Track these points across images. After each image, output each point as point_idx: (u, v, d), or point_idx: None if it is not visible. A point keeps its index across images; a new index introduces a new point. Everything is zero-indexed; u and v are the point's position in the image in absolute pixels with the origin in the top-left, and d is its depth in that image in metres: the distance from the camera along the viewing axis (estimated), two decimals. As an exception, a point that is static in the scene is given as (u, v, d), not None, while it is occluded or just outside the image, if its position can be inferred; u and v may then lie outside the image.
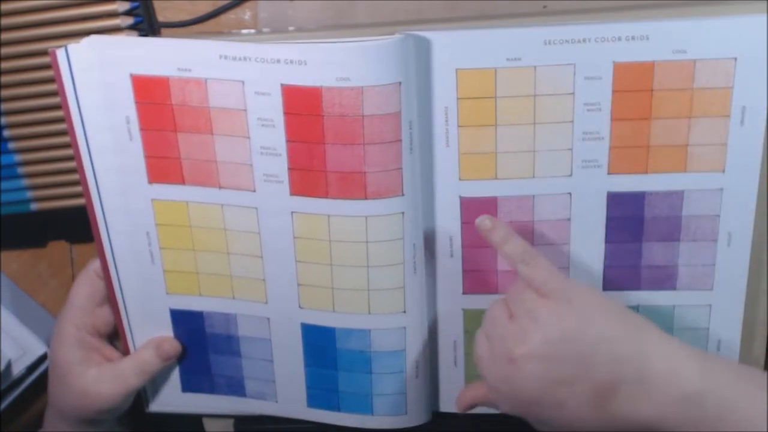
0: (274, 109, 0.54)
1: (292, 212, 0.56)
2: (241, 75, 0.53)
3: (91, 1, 0.60)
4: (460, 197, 0.57)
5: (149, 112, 0.55)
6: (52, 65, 0.55)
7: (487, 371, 0.51)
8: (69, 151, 0.62)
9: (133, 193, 0.58)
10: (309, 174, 0.55)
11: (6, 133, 0.64)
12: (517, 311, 0.50)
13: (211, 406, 0.65)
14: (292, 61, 0.52)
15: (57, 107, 0.62)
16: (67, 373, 0.59)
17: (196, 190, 0.57)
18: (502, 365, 0.49)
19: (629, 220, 0.57)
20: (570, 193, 0.56)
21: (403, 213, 0.56)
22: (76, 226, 0.65)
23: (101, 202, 0.58)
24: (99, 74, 0.55)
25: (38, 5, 0.60)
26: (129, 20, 0.61)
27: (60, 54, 0.54)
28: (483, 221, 0.55)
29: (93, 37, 0.54)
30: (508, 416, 0.62)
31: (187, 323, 0.62)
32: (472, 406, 0.56)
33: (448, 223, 0.58)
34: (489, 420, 0.63)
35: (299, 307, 0.59)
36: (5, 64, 0.62)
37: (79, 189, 0.61)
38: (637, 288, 0.58)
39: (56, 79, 0.55)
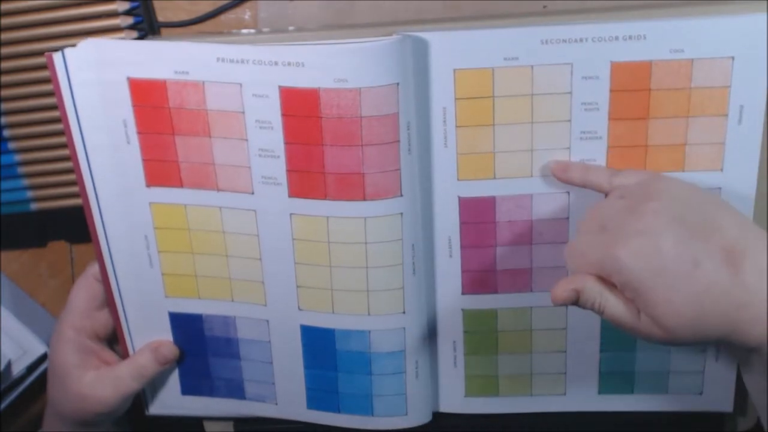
0: (272, 111, 0.54)
1: (291, 214, 0.56)
2: (238, 77, 0.53)
3: (91, 1, 0.60)
4: (459, 197, 0.57)
5: (146, 115, 0.55)
6: (49, 69, 0.54)
7: (608, 248, 0.45)
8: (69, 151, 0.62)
9: (131, 196, 0.58)
10: (307, 176, 0.55)
11: (6, 133, 0.64)
12: (623, 204, 0.48)
13: (210, 408, 0.65)
14: (289, 63, 0.52)
15: (57, 107, 0.61)
16: (66, 376, 0.60)
17: (195, 193, 0.57)
18: (627, 233, 0.45)
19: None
20: (568, 192, 0.56)
21: (401, 214, 0.56)
22: (76, 226, 0.64)
23: (99, 206, 0.58)
24: (96, 78, 0.55)
25: (38, 5, 0.60)
26: (129, 20, 0.61)
27: (57, 58, 0.54)
28: (556, 164, 0.55)
29: (89, 41, 0.54)
30: (508, 416, 0.63)
31: (186, 326, 0.62)
32: (572, 300, 0.48)
33: (447, 224, 0.58)
34: (489, 420, 0.63)
35: (298, 308, 0.59)
36: (5, 64, 0.62)
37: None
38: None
39: (53, 82, 0.55)
